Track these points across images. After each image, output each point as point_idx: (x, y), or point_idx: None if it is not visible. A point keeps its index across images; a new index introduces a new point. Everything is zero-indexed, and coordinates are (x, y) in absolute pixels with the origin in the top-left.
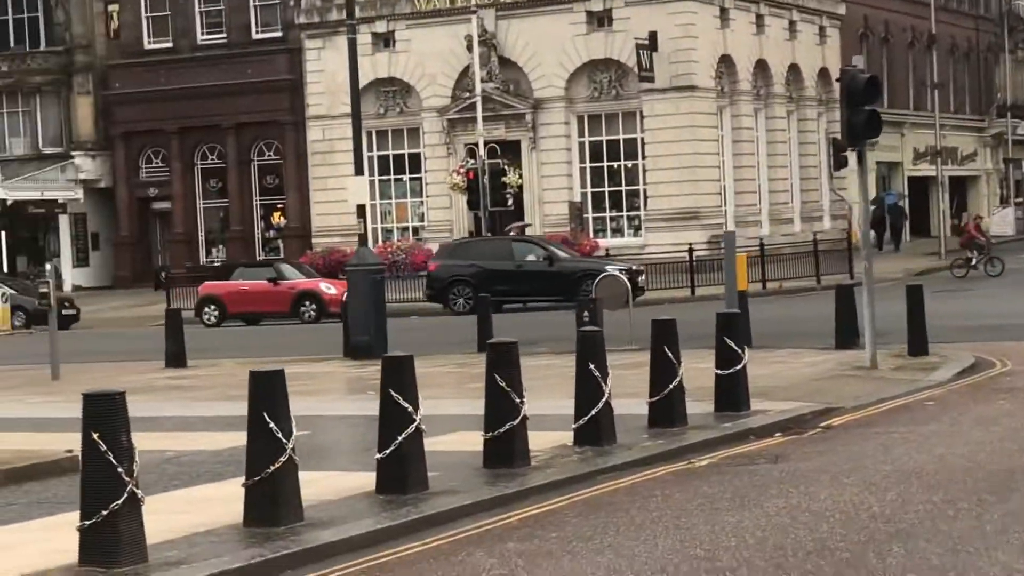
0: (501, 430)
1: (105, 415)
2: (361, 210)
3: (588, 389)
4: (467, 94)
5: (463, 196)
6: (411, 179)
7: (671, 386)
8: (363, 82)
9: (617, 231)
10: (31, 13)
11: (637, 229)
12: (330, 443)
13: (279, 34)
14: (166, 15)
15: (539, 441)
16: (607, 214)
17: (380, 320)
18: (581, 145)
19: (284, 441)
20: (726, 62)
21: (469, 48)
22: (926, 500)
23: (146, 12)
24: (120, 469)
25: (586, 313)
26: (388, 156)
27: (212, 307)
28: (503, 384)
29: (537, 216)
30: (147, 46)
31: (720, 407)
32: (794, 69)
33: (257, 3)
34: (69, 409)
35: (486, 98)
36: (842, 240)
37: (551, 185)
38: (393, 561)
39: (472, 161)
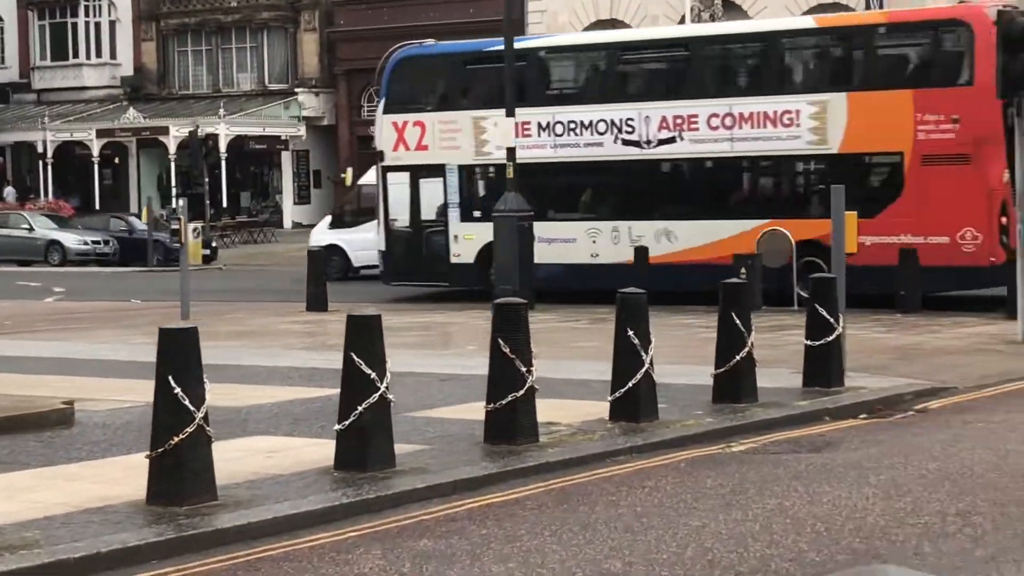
0: (503, 402)
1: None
2: (511, 153)
3: (626, 357)
4: None
5: None
6: None
7: (738, 357)
8: (585, 23)
9: None
10: None
11: None
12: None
13: None
14: None
15: (574, 412)
16: None
17: (527, 269)
18: None
19: (193, 410)
20: None
21: None
22: (938, 511)
23: None
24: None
25: (743, 269)
26: None
27: None
28: (506, 350)
29: None
30: None
31: (809, 382)
32: None
33: None
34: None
35: None
36: None
37: None
38: (268, 558)
39: None
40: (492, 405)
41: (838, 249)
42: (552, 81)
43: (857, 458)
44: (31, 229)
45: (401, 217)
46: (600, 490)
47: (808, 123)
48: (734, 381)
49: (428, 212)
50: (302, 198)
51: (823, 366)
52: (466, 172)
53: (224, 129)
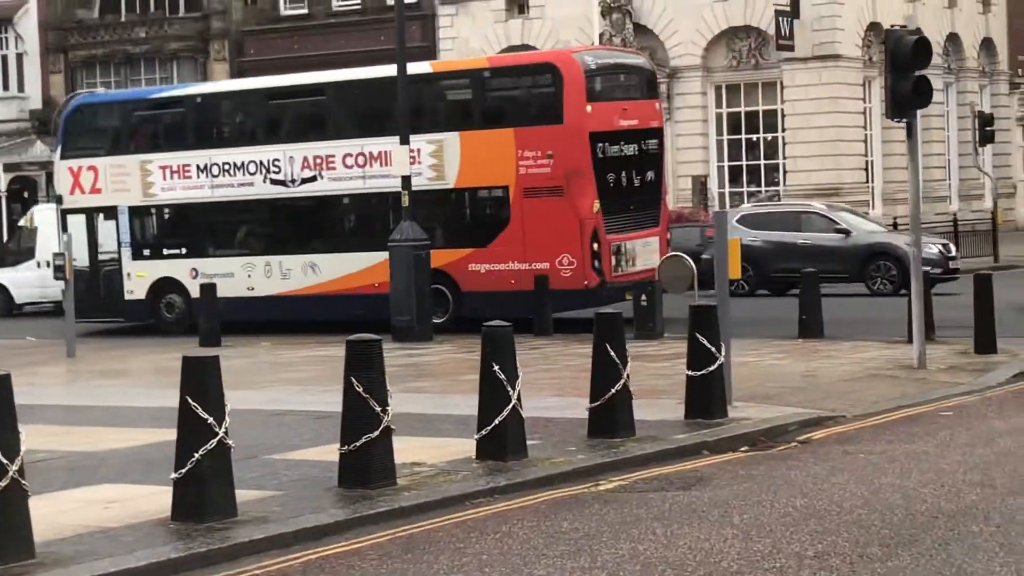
0: (357, 444)
1: None
2: (406, 181)
3: (493, 393)
4: None
5: None
6: None
7: (613, 390)
8: (496, 49)
9: None
10: None
11: None
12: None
13: (413, 0)
14: None
15: (443, 451)
16: (744, 189)
17: (423, 300)
18: (718, 116)
19: (6, 463)
20: (874, 30)
21: (604, 15)
22: (796, 553)
23: None
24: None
25: (643, 297)
26: None
27: None
28: (360, 389)
29: (673, 191)
30: (283, 12)
31: (691, 414)
32: (953, 39)
33: None
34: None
35: None
36: (1008, 222)
37: (686, 158)
38: None
39: None
40: (346, 447)
41: (721, 275)
42: (208, 125)
43: (725, 496)
44: None
45: (80, 257)
46: (450, 537)
47: (428, 160)
48: (610, 415)
49: (104, 252)
50: None
51: (705, 397)
52: (136, 213)
53: None
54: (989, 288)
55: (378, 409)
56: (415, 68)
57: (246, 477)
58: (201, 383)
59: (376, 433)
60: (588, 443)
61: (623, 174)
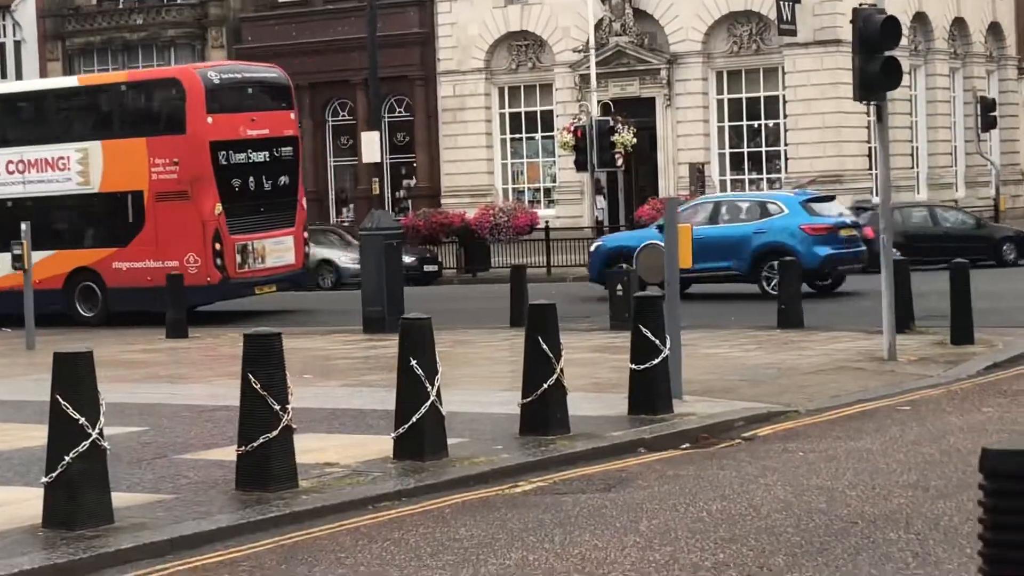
0: (254, 444)
1: None
2: (376, 168)
3: (410, 389)
4: (600, 49)
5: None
6: (543, 138)
7: (545, 385)
8: (495, 36)
9: None
10: None
11: None
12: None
13: None
14: None
15: (362, 450)
16: (745, 176)
17: (396, 290)
18: (719, 102)
19: None
20: None
21: (603, 0)
22: (692, 564)
23: None
24: None
25: (619, 286)
26: (520, 113)
27: None
28: (257, 386)
29: (672, 177)
30: None
31: (634, 409)
32: (960, 24)
33: None
34: None
35: (620, 53)
36: (1015, 208)
37: (686, 145)
38: None
39: (581, 118)
40: (243, 448)
41: (672, 265)
42: None
43: (641, 498)
44: None
45: None
46: (335, 545)
47: (76, 167)
48: (542, 411)
49: None
50: None
51: (649, 392)
52: None
53: None
54: (966, 277)
55: (277, 408)
56: (63, 83)
57: (145, 479)
58: (73, 380)
59: (275, 433)
60: (518, 441)
61: (251, 179)
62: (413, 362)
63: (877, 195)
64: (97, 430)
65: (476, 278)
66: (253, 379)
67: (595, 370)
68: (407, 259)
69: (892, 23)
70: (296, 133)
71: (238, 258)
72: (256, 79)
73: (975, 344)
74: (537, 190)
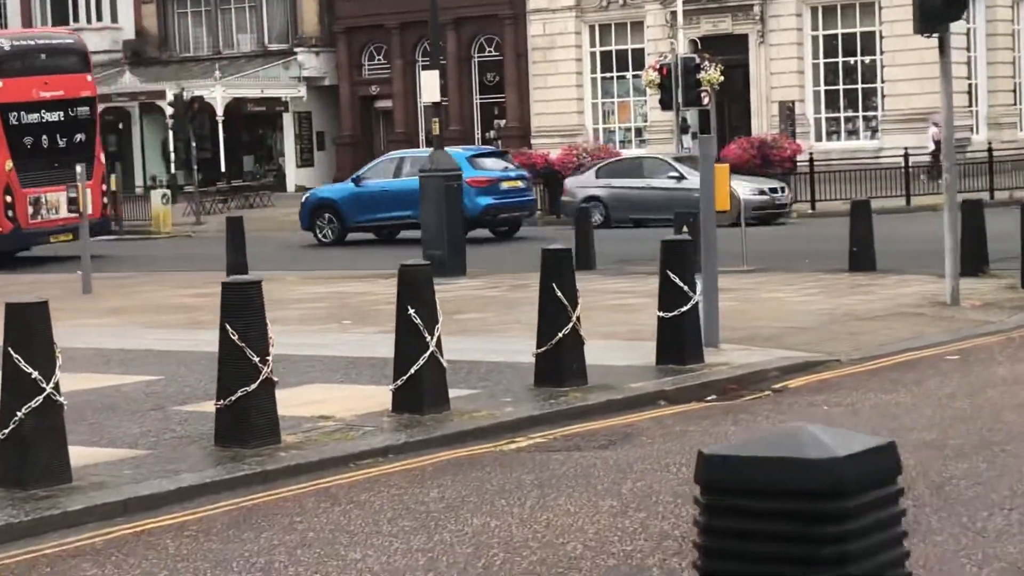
0: (233, 398)
1: None
2: (436, 109)
3: (408, 339)
4: None
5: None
6: (633, 76)
7: (560, 335)
8: (583, 7)
9: (852, 133)
10: None
11: (873, 131)
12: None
13: None
14: None
15: (363, 402)
16: (841, 114)
17: (455, 233)
18: (813, 39)
19: None
20: None
21: None
22: (661, 532)
23: None
24: None
25: (685, 227)
26: (611, 52)
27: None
28: (235, 337)
29: (764, 116)
30: None
31: (662, 359)
32: None
33: None
34: None
35: None
36: None
37: (779, 83)
38: None
39: (666, 56)
40: (221, 402)
41: (707, 206)
42: None
43: (635, 457)
44: None
45: None
46: (296, 508)
47: None
48: (556, 362)
49: None
50: (305, 161)
51: (677, 341)
52: None
53: (220, 92)
54: None
55: (256, 359)
56: None
57: (129, 433)
58: (26, 332)
59: (254, 386)
60: (532, 392)
61: (44, 137)
62: (411, 311)
63: (976, 133)
64: (52, 384)
65: (560, 219)
66: (231, 329)
67: (639, 316)
68: None
69: None
70: (93, 94)
71: (30, 209)
72: (50, 46)
73: None
74: (628, 130)
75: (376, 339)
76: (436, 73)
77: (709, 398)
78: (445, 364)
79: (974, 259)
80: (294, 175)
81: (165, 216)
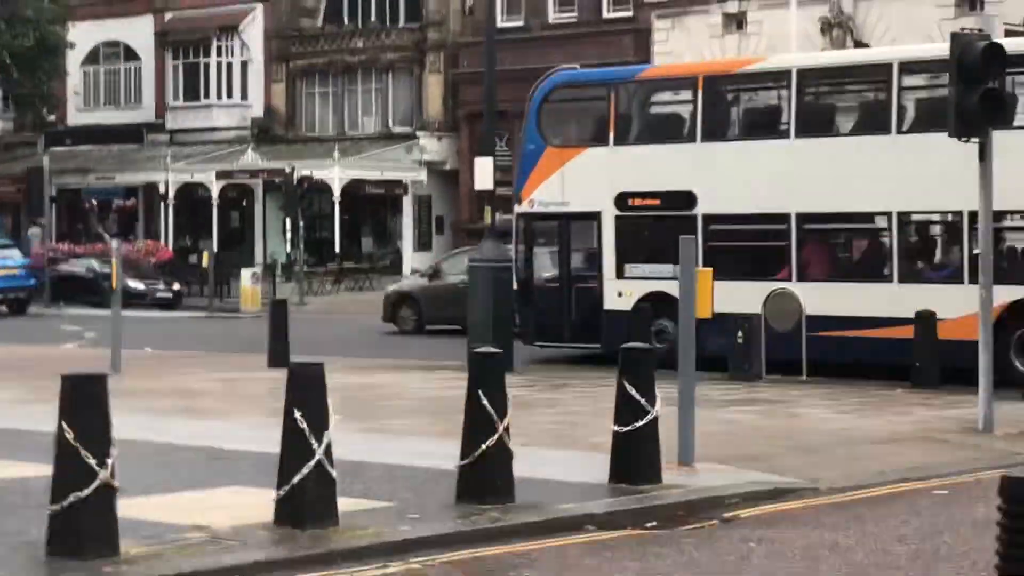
0: (65, 503)
1: None
2: (489, 197)
3: (294, 444)
4: None
5: None
6: None
7: (484, 447)
8: None
9: None
10: None
11: None
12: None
13: (629, 13)
14: None
15: (255, 512)
16: None
17: (505, 328)
18: None
19: None
20: None
21: (823, 31)
22: None
23: None
24: None
25: (740, 333)
26: None
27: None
28: (70, 436)
29: None
30: (499, 24)
31: (616, 477)
32: None
33: None
34: None
35: None
36: None
37: None
38: None
39: None
40: (56, 506)
41: (686, 311)
42: None
43: None
44: None
45: None
46: None
47: None
48: (481, 475)
49: None
50: (423, 244)
51: (632, 458)
52: None
53: (338, 173)
54: None
55: (92, 462)
56: None
57: None
58: None
59: (88, 492)
60: (445, 510)
61: None
62: (297, 414)
63: None
64: None
65: None
66: (67, 428)
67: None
68: None
69: (995, 50)
70: None
71: None
72: None
73: None
74: None
75: (354, 438)
76: (490, 160)
77: (649, 524)
78: (334, 474)
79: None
80: (411, 258)
81: (254, 294)
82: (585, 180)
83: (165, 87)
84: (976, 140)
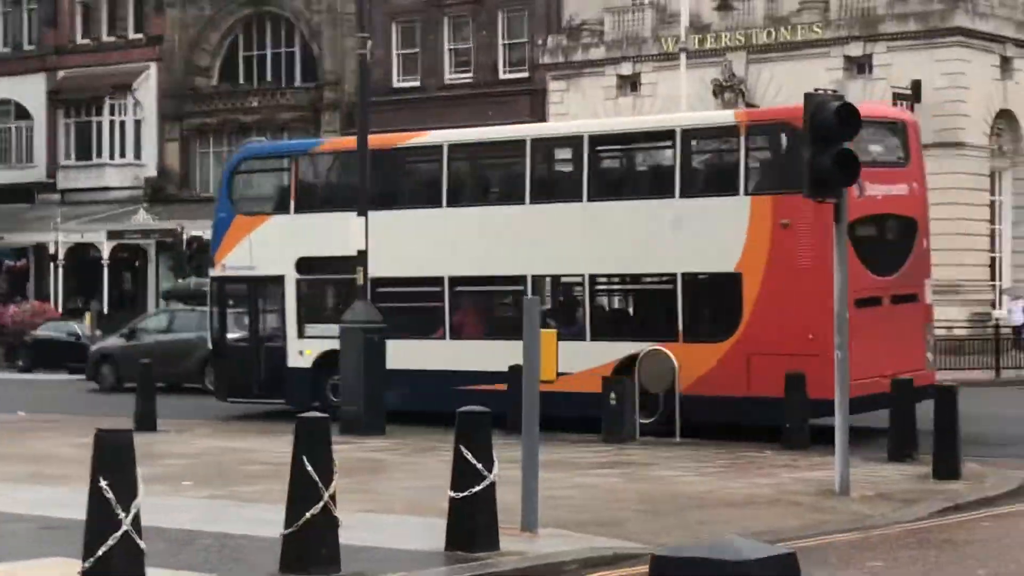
0: None
1: None
2: (361, 257)
3: (100, 514)
4: None
5: None
6: None
7: (308, 515)
8: None
9: None
10: (288, 48)
11: None
12: None
13: (525, 75)
14: (416, 52)
15: None
16: None
17: (375, 389)
18: None
19: None
20: (1006, 118)
21: (716, 94)
22: None
23: (397, 49)
24: None
25: (612, 395)
26: None
27: None
28: None
29: None
30: (395, 84)
31: (451, 544)
32: None
33: (506, 42)
34: None
35: None
36: None
37: None
38: None
39: None
40: None
41: (530, 373)
42: None
43: None
44: None
45: None
46: None
47: None
48: (305, 544)
49: None
50: None
51: (468, 524)
52: None
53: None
54: (952, 403)
55: None
56: None
57: None
58: None
59: None
60: None
61: None
62: (103, 483)
63: (998, 308)
64: None
65: None
66: None
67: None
68: None
69: (848, 111)
70: None
71: None
72: None
73: (960, 480)
74: None
75: (199, 503)
76: (362, 220)
77: None
78: (142, 545)
79: (903, 442)
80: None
81: None
82: (270, 246)
83: (57, 146)
84: (832, 200)
